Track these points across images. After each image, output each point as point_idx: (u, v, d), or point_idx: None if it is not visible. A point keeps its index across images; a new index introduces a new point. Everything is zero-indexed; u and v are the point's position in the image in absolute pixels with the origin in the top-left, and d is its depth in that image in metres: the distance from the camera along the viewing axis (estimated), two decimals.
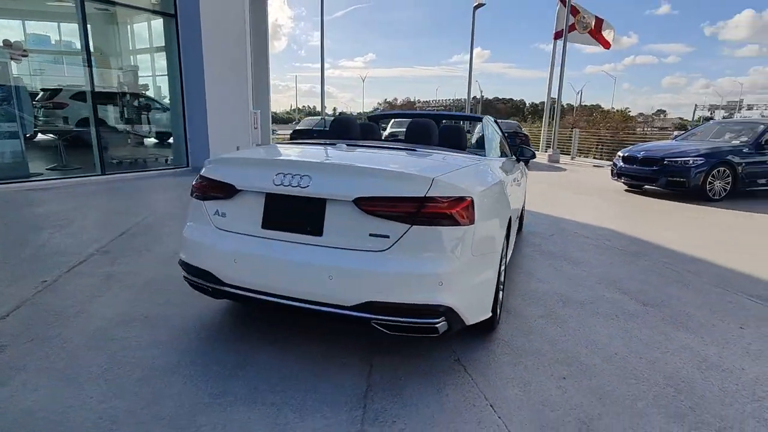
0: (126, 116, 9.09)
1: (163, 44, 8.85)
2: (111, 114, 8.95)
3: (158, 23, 8.97)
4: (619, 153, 9.11)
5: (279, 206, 2.15)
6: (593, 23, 19.03)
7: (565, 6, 18.10)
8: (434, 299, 1.96)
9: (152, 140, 10.38)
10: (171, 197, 6.58)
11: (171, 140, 9.56)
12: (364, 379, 2.20)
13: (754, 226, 6.06)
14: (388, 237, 1.98)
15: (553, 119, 16.52)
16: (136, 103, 9.37)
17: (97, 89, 7.67)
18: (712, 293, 3.48)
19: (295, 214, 2.12)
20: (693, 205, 7.44)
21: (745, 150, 7.95)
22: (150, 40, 9.54)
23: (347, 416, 1.92)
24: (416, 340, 2.55)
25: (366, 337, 2.56)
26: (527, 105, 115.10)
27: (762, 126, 8.33)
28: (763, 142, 8.00)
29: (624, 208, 7.28)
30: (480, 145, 3.66)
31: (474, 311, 2.20)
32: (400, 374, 2.24)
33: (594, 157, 17.26)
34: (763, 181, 8.04)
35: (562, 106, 18.63)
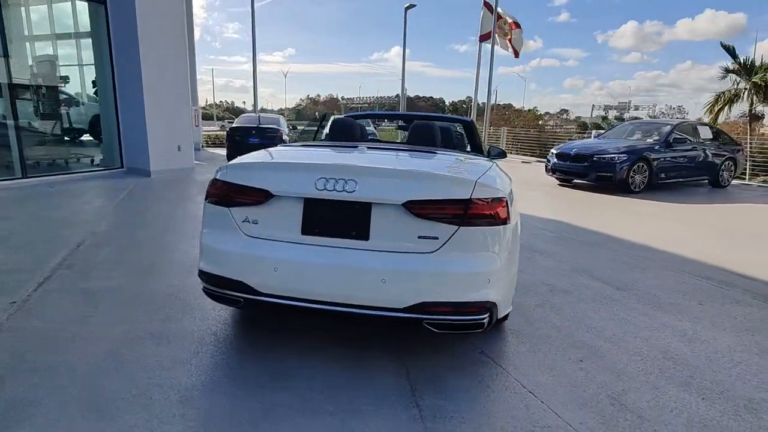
0: (46, 112, 8.11)
1: (89, 30, 7.98)
2: (29, 109, 7.95)
3: (83, 5, 8.08)
4: (553, 150, 9.89)
5: (321, 211, 2.12)
6: (511, 30, 20.31)
7: (489, 11, 19.14)
8: (483, 296, 2.06)
9: (82, 138, 9.33)
10: (115, 202, 6.03)
11: (101, 138, 8.68)
12: (405, 378, 2.24)
13: (672, 215, 6.92)
14: (437, 238, 2.05)
15: (482, 118, 17.42)
16: (58, 98, 8.38)
17: (14, 81, 6.77)
18: (667, 276, 3.97)
19: (339, 219, 2.11)
20: (619, 197, 8.31)
21: (657, 147, 9.03)
22: (75, 25, 8.55)
23: (406, 415, 1.96)
24: (436, 337, 2.64)
25: (390, 339, 2.60)
26: (447, 103, 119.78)
27: (668, 126, 9.52)
28: (671, 141, 9.13)
29: (565, 201, 7.94)
30: (475, 148, 3.82)
31: (505, 305, 2.34)
32: (438, 371, 2.32)
33: (524, 154, 18.48)
34: (673, 174, 9.20)
35: (479, 104, 19.62)
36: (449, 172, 2.22)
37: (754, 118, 13.09)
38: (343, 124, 3.44)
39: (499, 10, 19.22)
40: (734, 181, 10.65)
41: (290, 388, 2.11)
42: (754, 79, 12.52)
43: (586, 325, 2.92)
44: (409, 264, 2.03)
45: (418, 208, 2.04)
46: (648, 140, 9.37)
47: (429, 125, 3.25)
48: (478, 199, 2.08)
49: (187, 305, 2.93)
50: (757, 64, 12.81)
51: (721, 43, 13.04)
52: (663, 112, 70.27)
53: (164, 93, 8.08)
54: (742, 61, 13.04)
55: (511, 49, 19.70)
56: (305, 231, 2.13)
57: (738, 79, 13.41)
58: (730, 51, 13.21)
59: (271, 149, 2.84)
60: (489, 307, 2.09)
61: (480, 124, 17.08)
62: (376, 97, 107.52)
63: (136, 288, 3.15)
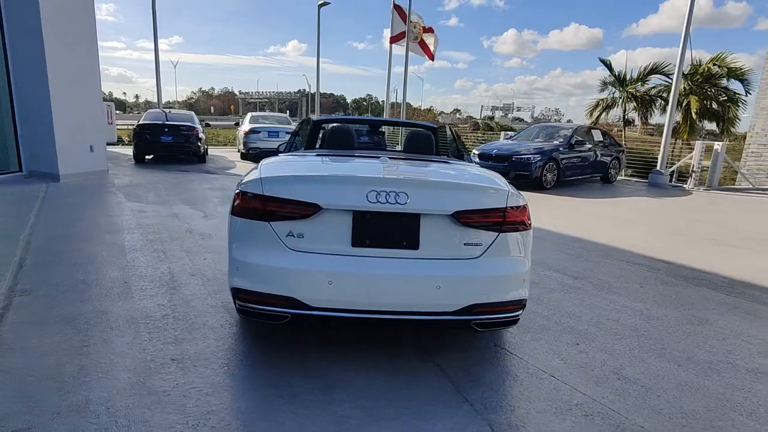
0: None
1: None
2: None
3: None
4: (474, 151, 10.65)
5: (371, 223, 2.17)
6: (421, 33, 21.21)
7: (399, 14, 19.77)
8: (520, 295, 2.30)
9: None
10: (32, 213, 5.24)
11: None
12: (443, 377, 2.39)
13: (584, 209, 7.94)
14: (480, 245, 2.23)
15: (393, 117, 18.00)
16: None
17: None
18: (607, 264, 4.62)
19: (389, 230, 2.18)
20: (535, 193, 9.26)
21: (562, 148, 10.21)
22: None
23: (462, 411, 2.12)
24: (452, 335, 2.83)
25: (410, 340, 2.73)
26: (348, 101, 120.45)
27: (570, 130, 10.82)
28: (573, 143, 10.39)
29: None
30: (459, 154, 4.05)
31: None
32: (468, 366, 2.51)
33: None
34: (576, 172, 10.48)
35: (390, 102, 20.28)
36: (483, 182, 2.41)
37: (627, 122, 15.42)
38: (342, 131, 3.46)
39: (413, 16, 19.94)
40: (618, 177, 12.44)
41: (346, 400, 2.14)
42: (629, 89, 14.72)
43: (567, 313, 3.33)
44: (459, 270, 2.18)
45: (465, 218, 2.20)
46: (554, 142, 10.54)
47: (426, 134, 3.42)
48: (512, 207, 2.31)
49: (191, 324, 2.75)
50: (629, 77, 15.08)
51: (599, 58, 15.20)
52: (543, 114, 78.65)
53: (74, 80, 7.03)
54: (617, 74, 15.24)
55: (425, 51, 20.56)
56: (356, 243, 2.17)
57: (613, 89, 15.63)
58: (608, 65, 15.40)
59: (286, 160, 2.78)
60: (524, 304, 2.34)
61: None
62: (276, 92, 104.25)
63: (121, 310, 2.87)
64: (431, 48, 20.91)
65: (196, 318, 2.83)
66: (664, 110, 14.45)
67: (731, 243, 5.75)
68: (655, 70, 14.54)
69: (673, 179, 11.96)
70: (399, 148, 10.93)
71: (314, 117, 4.69)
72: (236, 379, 2.25)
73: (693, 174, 11.38)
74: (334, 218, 2.17)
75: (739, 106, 13.17)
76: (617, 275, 4.24)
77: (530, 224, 2.41)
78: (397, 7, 20.05)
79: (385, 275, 2.14)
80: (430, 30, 19.88)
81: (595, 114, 16.29)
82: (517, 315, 2.32)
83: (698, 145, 11.31)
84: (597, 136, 11.32)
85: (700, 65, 13.90)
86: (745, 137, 13.64)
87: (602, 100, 16.05)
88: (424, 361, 2.54)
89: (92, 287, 3.19)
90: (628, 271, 4.38)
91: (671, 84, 13.63)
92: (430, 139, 3.41)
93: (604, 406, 2.20)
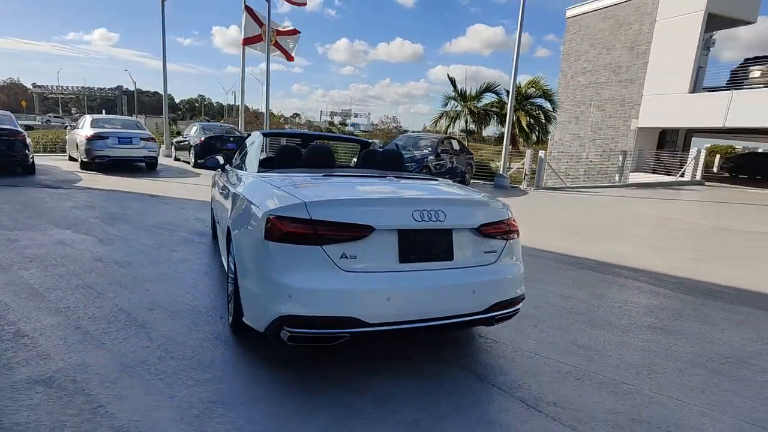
0: None
1: None
2: None
3: None
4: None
5: (415, 240, 2.39)
6: (275, 35, 20.85)
7: (251, 15, 19.16)
8: (521, 291, 2.78)
9: None
10: None
11: None
12: (465, 371, 2.71)
13: None
14: (495, 252, 2.64)
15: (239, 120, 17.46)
16: None
17: None
18: (530, 260, 5.51)
19: (430, 245, 2.43)
20: None
21: (431, 156, 11.41)
22: None
23: (519, 408, 2.39)
24: (458, 335, 3.16)
25: (424, 343, 3.00)
26: (177, 101, 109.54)
27: (436, 140, 12.14)
28: (440, 151, 11.69)
29: None
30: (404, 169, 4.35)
31: None
32: (477, 359, 2.90)
33: None
34: (443, 176, 11.78)
35: (221, 104, 19.66)
36: (490, 198, 2.81)
37: (469, 133, 17.87)
38: (322, 149, 3.48)
39: (260, 15, 19.42)
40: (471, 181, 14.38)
41: (403, 406, 2.31)
42: (468, 105, 17.09)
43: None
44: (486, 275, 2.55)
45: (486, 230, 2.58)
46: (423, 151, 11.70)
47: (397, 152, 3.67)
48: (511, 218, 2.77)
49: (199, 362, 2.54)
50: (469, 93, 17.51)
51: (447, 75, 17.31)
52: (382, 121, 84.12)
53: None
54: (459, 91, 17.55)
55: (282, 53, 20.21)
56: (402, 259, 2.36)
57: (456, 103, 17.95)
58: (452, 82, 17.62)
59: (304, 183, 2.76)
60: (523, 298, 2.82)
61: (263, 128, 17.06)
62: (85, 87, 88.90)
63: (103, 359, 2.45)
64: (289, 50, 20.76)
65: (197, 354, 2.61)
66: (501, 123, 17.18)
67: (581, 233, 7.36)
68: (488, 88, 17.19)
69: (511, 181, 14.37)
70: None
71: (262, 131, 4.51)
72: (292, 406, 2.21)
73: (525, 176, 13.86)
74: (383, 238, 2.32)
75: (550, 120, 16.50)
76: (535, 266, 5.12)
77: (518, 232, 2.91)
78: (249, 9, 19.40)
79: (432, 286, 2.38)
80: (294, 32, 19.69)
81: (441, 124, 18.44)
82: (520, 307, 2.80)
83: (528, 152, 13.82)
84: (455, 144, 12.92)
85: (520, 87, 16.93)
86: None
87: (446, 113, 18.23)
88: (441, 362, 2.82)
89: (39, 342, 2.62)
90: (541, 264, 5.32)
91: (500, 100, 16.26)
92: (402, 157, 3.69)
93: (583, 369, 2.83)
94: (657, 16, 18.01)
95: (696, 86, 16.97)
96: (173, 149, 16.23)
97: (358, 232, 2.27)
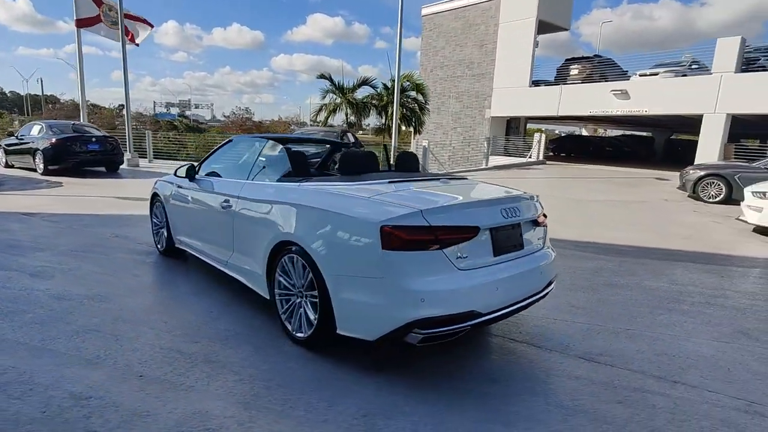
0: None
1: None
2: None
3: None
4: None
5: (502, 235, 2.71)
6: (114, 15, 18.14)
7: None
8: (555, 270, 3.29)
9: None
10: None
11: None
12: (537, 346, 3.17)
13: None
14: (542, 238, 3.12)
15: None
16: None
17: None
18: None
19: (511, 237, 2.78)
20: None
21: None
22: None
23: (583, 360, 2.98)
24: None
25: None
26: None
27: (335, 134, 12.26)
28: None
29: None
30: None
31: None
32: (536, 331, 3.36)
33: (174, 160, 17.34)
34: None
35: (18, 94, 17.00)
36: (527, 193, 3.24)
37: (350, 125, 18.29)
38: (365, 156, 3.47)
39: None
40: None
41: (475, 407, 2.65)
42: (348, 98, 17.49)
43: None
44: (543, 259, 3.00)
45: (538, 220, 3.03)
46: (327, 146, 11.72)
47: (413, 154, 3.86)
48: (543, 210, 3.27)
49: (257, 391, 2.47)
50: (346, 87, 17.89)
51: (322, 74, 17.44)
52: (234, 112, 78.76)
53: None
54: (337, 83, 17.80)
55: (128, 38, 17.67)
56: (496, 253, 2.67)
57: (335, 96, 18.18)
58: (328, 77, 17.77)
59: (396, 191, 2.82)
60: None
61: (126, 125, 14.81)
62: None
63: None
64: (136, 34, 18.33)
65: (320, 375, 2.53)
66: (379, 114, 17.97)
67: None
68: (365, 82, 17.80)
69: None
70: None
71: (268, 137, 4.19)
72: (416, 398, 2.37)
73: None
74: (483, 236, 2.59)
75: (424, 112, 17.89)
76: None
77: None
78: None
79: (518, 273, 2.73)
80: (145, 22, 17.38)
81: (321, 116, 18.50)
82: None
83: (413, 142, 14.87)
84: (351, 138, 13.22)
85: (394, 80, 17.92)
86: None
87: (325, 105, 18.36)
88: (496, 337, 3.22)
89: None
90: None
91: (378, 93, 17.06)
92: (417, 157, 3.90)
93: (596, 326, 3.52)
94: (499, 19, 20.76)
95: (533, 81, 20.16)
96: (2, 153, 13.17)
97: (469, 233, 2.51)
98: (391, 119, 17.72)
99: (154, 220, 5.06)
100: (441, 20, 23.44)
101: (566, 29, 21.53)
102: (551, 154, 28.05)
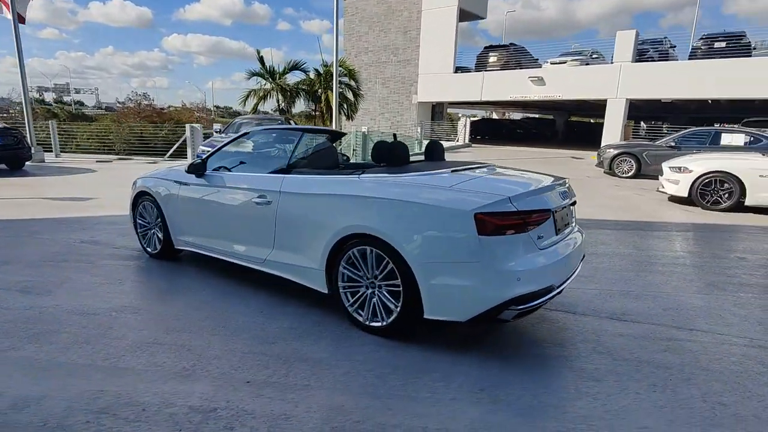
0: None
1: None
2: None
3: None
4: (207, 149, 9.99)
5: (559, 216, 3.01)
6: None
7: None
8: None
9: None
10: None
11: None
12: (572, 312, 3.55)
13: None
14: (575, 217, 3.49)
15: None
16: None
17: None
18: None
19: (564, 218, 3.09)
20: None
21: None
22: None
23: (614, 319, 3.41)
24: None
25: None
26: None
27: (279, 123, 11.88)
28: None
29: None
30: None
31: None
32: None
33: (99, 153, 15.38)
34: None
35: None
36: None
37: (281, 111, 17.67)
38: (401, 148, 3.49)
39: None
40: None
41: (546, 390, 3.00)
42: (280, 83, 16.87)
43: None
44: (580, 235, 3.37)
45: (574, 201, 3.39)
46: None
47: (440, 143, 3.98)
48: None
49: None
50: (276, 71, 17.22)
51: (257, 51, 16.51)
52: (129, 98, 71.03)
53: None
54: (268, 67, 17.06)
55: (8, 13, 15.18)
56: (557, 232, 2.97)
57: (264, 81, 17.44)
58: (260, 59, 16.93)
59: (460, 178, 2.94)
60: None
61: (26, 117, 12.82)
62: None
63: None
64: (20, 10, 15.86)
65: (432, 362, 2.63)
66: (311, 101, 17.61)
67: None
68: (296, 67, 17.29)
69: None
70: None
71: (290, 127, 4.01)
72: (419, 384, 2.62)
73: (354, 152, 14.93)
74: (551, 217, 2.87)
75: (358, 98, 17.89)
76: None
77: None
78: None
79: (572, 248, 3.06)
80: None
81: (250, 103, 17.68)
82: None
83: (354, 128, 14.87)
84: (292, 125, 12.88)
85: (326, 66, 17.66)
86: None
87: (253, 91, 17.56)
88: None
89: None
90: None
91: (309, 79, 16.78)
92: (443, 147, 4.03)
93: (599, 289, 4.02)
94: (422, 6, 21.27)
95: (457, 68, 21.09)
96: None
97: (545, 215, 2.77)
98: (325, 106, 17.52)
99: (140, 221, 4.66)
100: (363, 5, 23.40)
101: (483, 18, 22.72)
102: (470, 136, 29.75)
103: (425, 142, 20.06)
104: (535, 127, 32.66)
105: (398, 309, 2.85)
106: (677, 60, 17.74)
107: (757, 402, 2.36)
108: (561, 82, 17.88)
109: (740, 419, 2.21)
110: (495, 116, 40.91)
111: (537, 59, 21.44)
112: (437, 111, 23.85)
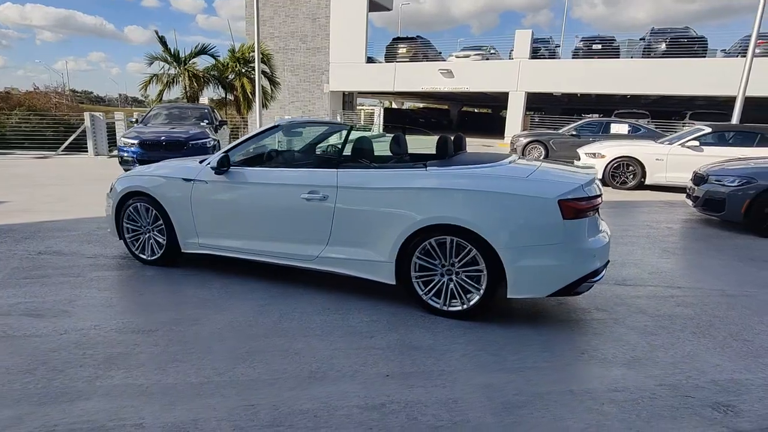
0: None
1: None
2: None
3: None
4: (132, 141, 8.90)
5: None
6: None
7: None
8: None
9: None
10: None
11: None
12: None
13: None
14: None
15: None
16: None
17: None
18: None
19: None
20: None
21: (209, 129, 10.42)
22: None
23: (625, 285, 3.99)
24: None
25: None
26: None
27: (206, 111, 10.99)
28: (217, 123, 10.76)
29: None
30: None
31: None
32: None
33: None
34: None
35: None
36: None
37: (190, 99, 16.15)
38: (455, 140, 3.60)
39: None
40: None
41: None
42: (190, 69, 15.44)
43: None
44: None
45: None
46: (202, 123, 10.46)
47: (464, 137, 4.18)
48: None
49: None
50: (182, 55, 15.73)
51: (156, 32, 14.74)
52: None
53: None
54: (172, 51, 15.47)
55: None
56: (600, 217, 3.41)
57: (168, 66, 15.82)
58: (162, 41, 15.26)
59: (514, 167, 3.17)
60: None
61: None
62: None
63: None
64: None
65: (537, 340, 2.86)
66: (223, 88, 16.47)
67: None
68: (204, 50, 15.98)
69: None
70: None
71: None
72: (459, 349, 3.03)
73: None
74: (601, 202, 3.29)
75: (275, 86, 17.17)
76: None
77: None
78: None
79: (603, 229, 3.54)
80: None
81: (153, 90, 15.96)
82: None
83: (276, 118, 14.31)
84: (217, 115, 11.99)
85: (234, 51, 16.62)
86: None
87: (157, 76, 15.88)
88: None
89: None
90: None
91: (221, 63, 15.80)
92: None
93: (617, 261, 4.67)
94: None
95: (369, 58, 21.34)
96: None
97: (599, 201, 3.17)
98: (241, 94, 16.56)
99: (129, 225, 4.16)
100: None
101: (389, 9, 23.23)
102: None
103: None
104: (433, 116, 34.55)
105: (481, 292, 3.06)
106: (560, 58, 20.22)
107: (765, 336, 3.07)
108: (468, 75, 19.21)
109: (765, 350, 2.87)
110: (394, 106, 42.20)
111: (440, 52, 22.66)
112: (347, 101, 23.93)
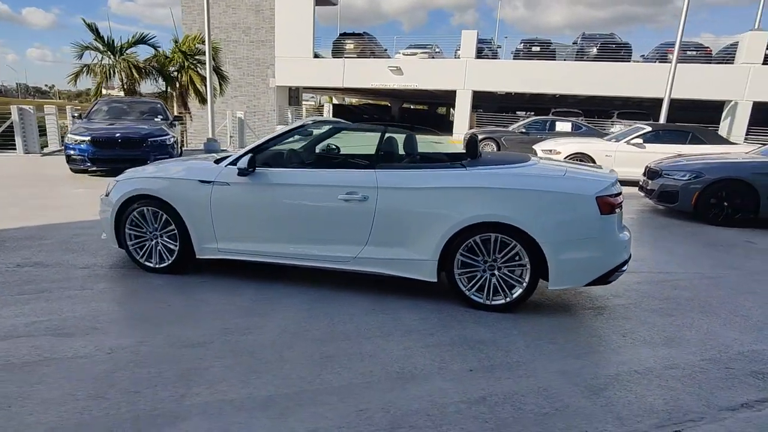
0: None
1: None
2: None
3: None
4: (81, 139, 8.10)
5: None
6: None
7: None
8: None
9: None
10: None
11: None
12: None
13: None
14: None
15: None
16: None
17: None
18: None
19: None
20: None
21: (165, 125, 9.77)
22: None
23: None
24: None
25: None
26: None
27: (159, 106, 10.25)
28: (172, 119, 10.10)
29: None
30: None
31: None
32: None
33: None
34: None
35: None
36: None
37: (130, 92, 14.92)
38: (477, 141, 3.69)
39: None
40: None
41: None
42: (129, 59, 14.25)
43: None
44: None
45: None
46: (156, 119, 9.76)
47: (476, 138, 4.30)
48: None
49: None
50: (117, 44, 14.48)
51: (83, 19, 13.36)
52: None
53: None
54: (105, 40, 14.18)
55: None
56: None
57: (101, 56, 14.50)
58: (93, 28, 13.91)
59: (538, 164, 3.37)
60: None
61: None
62: None
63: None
64: None
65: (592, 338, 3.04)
66: (164, 80, 15.42)
67: None
68: (143, 40, 14.85)
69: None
70: None
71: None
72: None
73: (231, 139, 13.82)
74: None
75: (224, 79, 16.35)
76: None
77: None
78: None
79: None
80: None
81: (85, 82, 14.55)
82: None
83: (229, 113, 13.70)
84: (170, 111, 11.24)
85: (177, 42, 15.62)
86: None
87: (88, 66, 14.52)
88: None
89: None
90: None
91: (163, 55, 14.88)
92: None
93: None
94: None
95: (316, 53, 20.99)
96: None
97: (622, 198, 3.46)
98: (185, 86, 15.63)
99: (133, 232, 3.86)
100: None
101: (335, 4, 22.97)
102: None
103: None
104: (375, 112, 34.76)
105: (524, 285, 3.23)
106: (500, 59, 21.23)
107: (758, 311, 3.53)
108: (416, 72, 19.56)
109: (764, 323, 3.31)
110: (336, 101, 41.86)
111: (386, 49, 22.84)
112: (293, 96, 23.39)
